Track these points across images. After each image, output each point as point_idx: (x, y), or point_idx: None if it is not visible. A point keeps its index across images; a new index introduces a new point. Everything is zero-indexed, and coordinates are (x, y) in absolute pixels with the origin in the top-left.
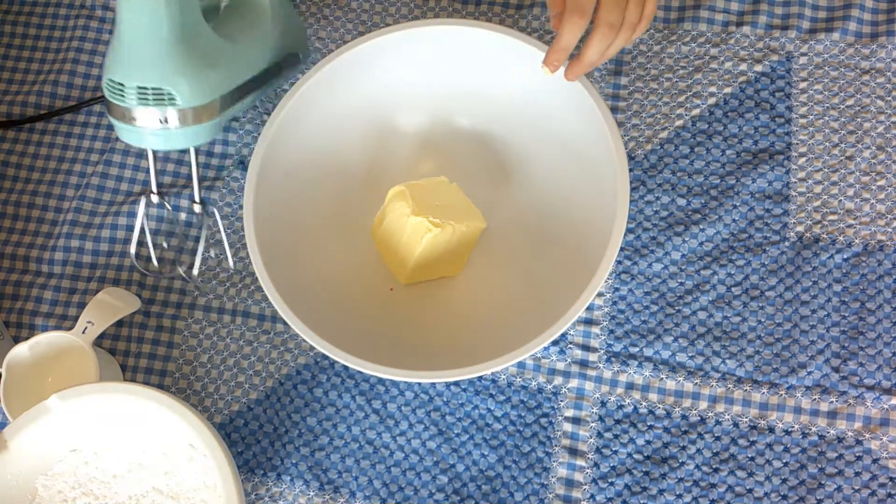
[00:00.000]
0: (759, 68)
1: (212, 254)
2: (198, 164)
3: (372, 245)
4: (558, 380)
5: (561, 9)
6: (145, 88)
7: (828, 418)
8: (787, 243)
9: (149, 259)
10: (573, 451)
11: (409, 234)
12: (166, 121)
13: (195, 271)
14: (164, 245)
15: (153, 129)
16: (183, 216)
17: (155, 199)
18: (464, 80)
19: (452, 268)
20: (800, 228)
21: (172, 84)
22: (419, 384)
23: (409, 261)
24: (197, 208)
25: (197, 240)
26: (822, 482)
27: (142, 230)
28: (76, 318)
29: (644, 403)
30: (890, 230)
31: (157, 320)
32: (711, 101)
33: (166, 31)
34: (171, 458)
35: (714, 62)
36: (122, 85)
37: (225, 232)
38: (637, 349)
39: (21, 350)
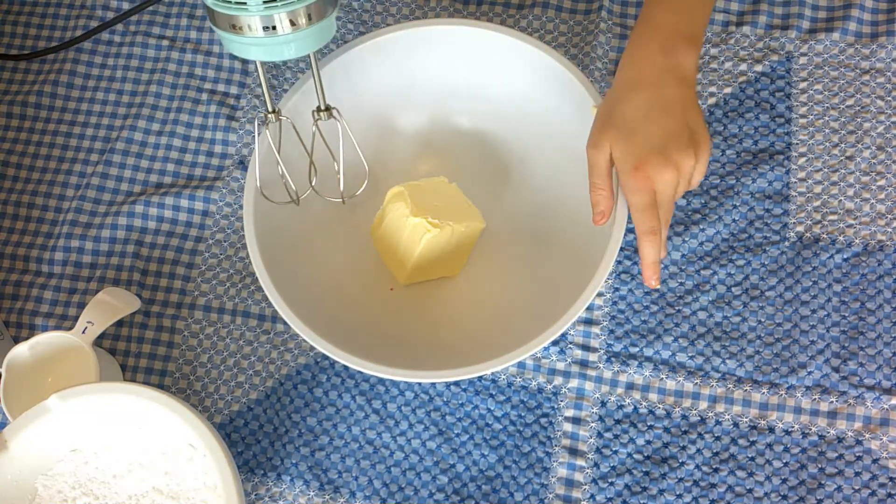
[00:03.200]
0: (759, 68)
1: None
2: (318, 69)
3: (372, 245)
4: (558, 380)
5: (606, 203)
6: None
7: (828, 418)
8: (787, 243)
9: (156, 260)
10: (573, 451)
11: (409, 235)
12: (294, 22)
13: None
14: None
15: (284, 35)
16: (184, 216)
17: (273, 117)
18: (464, 80)
19: (452, 268)
20: (800, 228)
21: None
22: (419, 384)
23: (409, 261)
24: (325, 116)
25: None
26: (822, 482)
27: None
28: (76, 318)
29: (644, 403)
30: (890, 230)
31: (157, 320)
32: (711, 101)
33: None
34: (171, 458)
35: (714, 62)
36: None
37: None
38: (637, 349)
39: (21, 350)
